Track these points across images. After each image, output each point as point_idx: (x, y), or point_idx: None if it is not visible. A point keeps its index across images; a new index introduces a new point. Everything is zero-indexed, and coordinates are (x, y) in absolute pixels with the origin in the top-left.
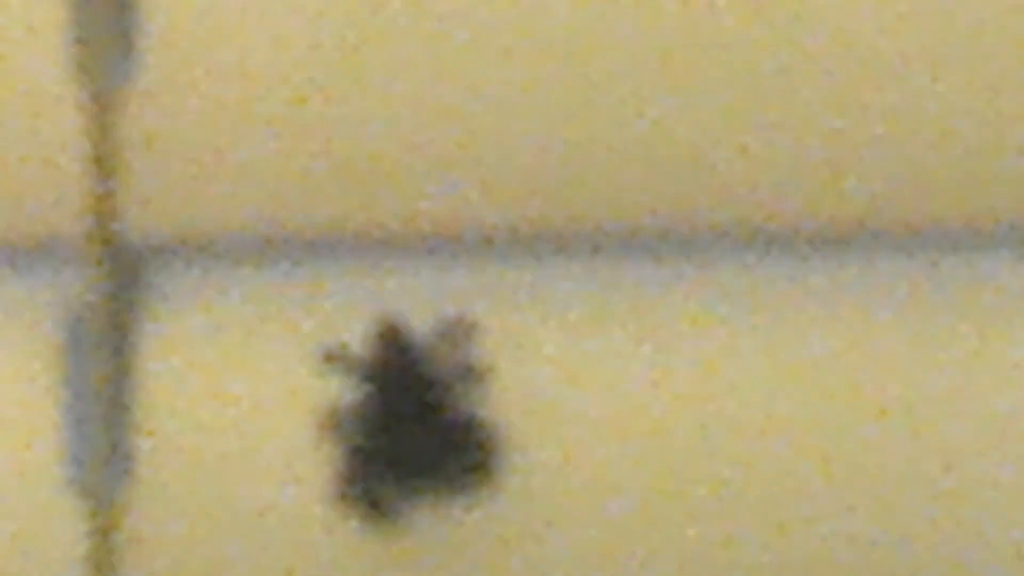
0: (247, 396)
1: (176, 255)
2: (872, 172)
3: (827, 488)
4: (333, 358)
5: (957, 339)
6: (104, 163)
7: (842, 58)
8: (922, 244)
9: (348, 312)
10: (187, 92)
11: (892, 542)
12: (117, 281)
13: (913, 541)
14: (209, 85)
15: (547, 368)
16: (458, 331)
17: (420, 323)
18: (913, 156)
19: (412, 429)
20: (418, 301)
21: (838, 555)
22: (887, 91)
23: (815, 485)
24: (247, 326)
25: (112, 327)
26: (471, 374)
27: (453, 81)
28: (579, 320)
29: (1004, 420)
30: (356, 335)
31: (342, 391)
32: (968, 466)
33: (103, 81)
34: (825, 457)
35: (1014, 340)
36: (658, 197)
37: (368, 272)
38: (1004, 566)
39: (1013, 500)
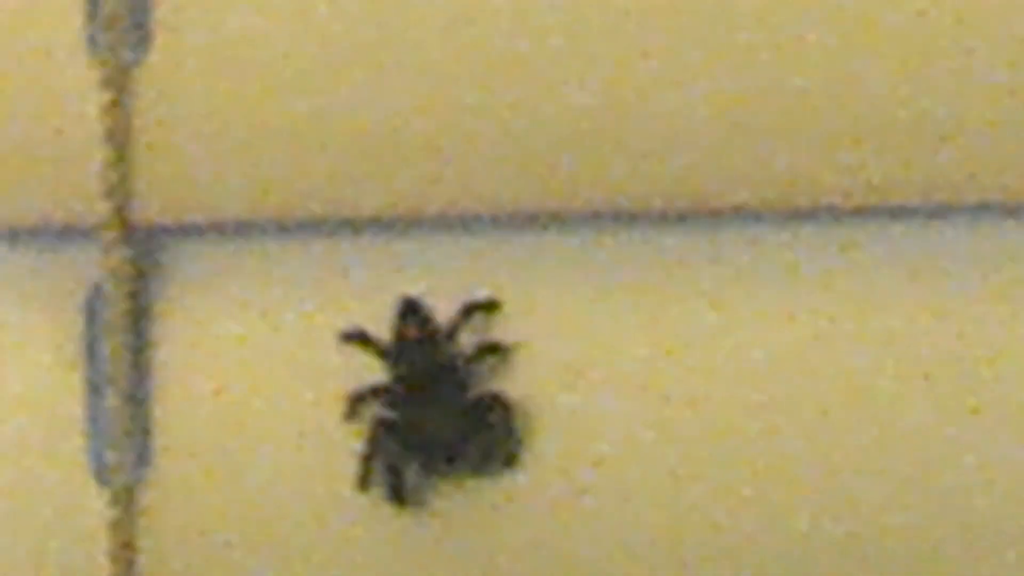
0: (266, 378)
1: (194, 236)
2: (879, 146)
3: (855, 458)
4: (354, 338)
5: (974, 310)
6: (119, 142)
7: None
8: (936, 215)
9: (369, 291)
10: (201, 70)
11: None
12: (134, 263)
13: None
14: (224, 62)
15: (572, 346)
16: (481, 309)
17: (442, 301)
18: (923, 127)
19: (434, 408)
20: (440, 279)
21: (861, 523)
22: (898, 60)
23: (845, 456)
24: (266, 307)
25: (129, 311)
26: (494, 352)
27: (473, 58)
28: (604, 297)
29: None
30: (378, 314)
31: (363, 371)
32: (983, 435)
33: (116, 59)
34: (853, 427)
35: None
36: (686, 172)
37: (390, 250)
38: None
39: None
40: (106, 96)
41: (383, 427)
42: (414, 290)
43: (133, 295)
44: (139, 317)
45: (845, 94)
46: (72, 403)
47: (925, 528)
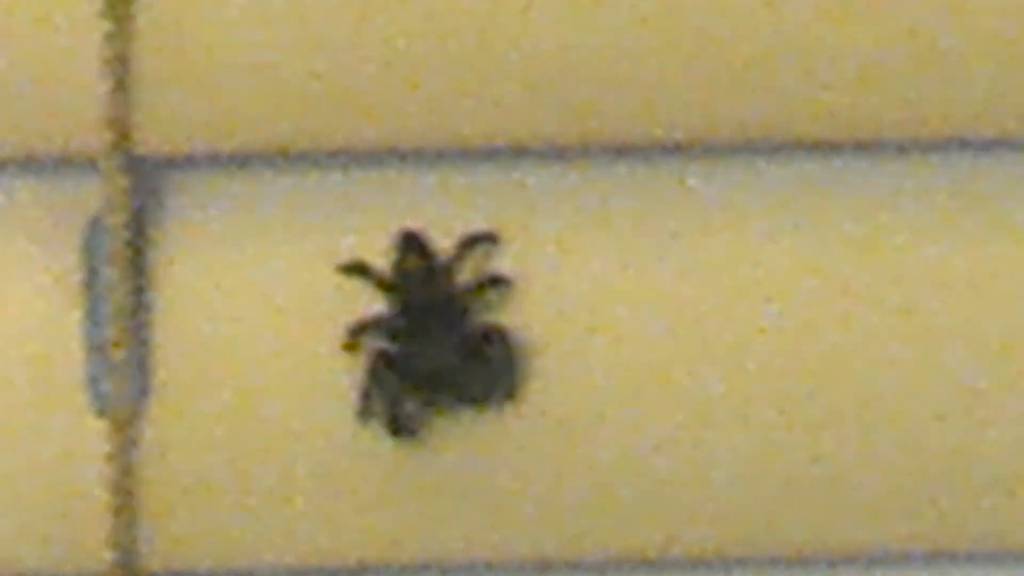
0: (267, 309)
1: (194, 166)
2: (878, 77)
3: (856, 392)
4: (354, 269)
5: (964, 239)
6: (119, 72)
7: None
8: (927, 146)
9: (370, 223)
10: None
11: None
12: (134, 193)
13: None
14: None
15: (571, 278)
16: (479, 241)
17: (443, 233)
18: (915, 60)
19: (434, 340)
20: (441, 211)
21: (853, 458)
22: None
23: (843, 392)
24: (266, 238)
25: (129, 241)
26: (494, 285)
27: None
28: (604, 229)
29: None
30: (378, 246)
31: (363, 303)
32: (973, 368)
33: None
34: (855, 361)
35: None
36: (687, 103)
37: (390, 182)
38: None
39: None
40: (107, 25)
41: (383, 359)
42: (414, 222)
43: (133, 225)
44: (139, 247)
45: (866, 21)
46: (72, 333)
47: (940, 452)
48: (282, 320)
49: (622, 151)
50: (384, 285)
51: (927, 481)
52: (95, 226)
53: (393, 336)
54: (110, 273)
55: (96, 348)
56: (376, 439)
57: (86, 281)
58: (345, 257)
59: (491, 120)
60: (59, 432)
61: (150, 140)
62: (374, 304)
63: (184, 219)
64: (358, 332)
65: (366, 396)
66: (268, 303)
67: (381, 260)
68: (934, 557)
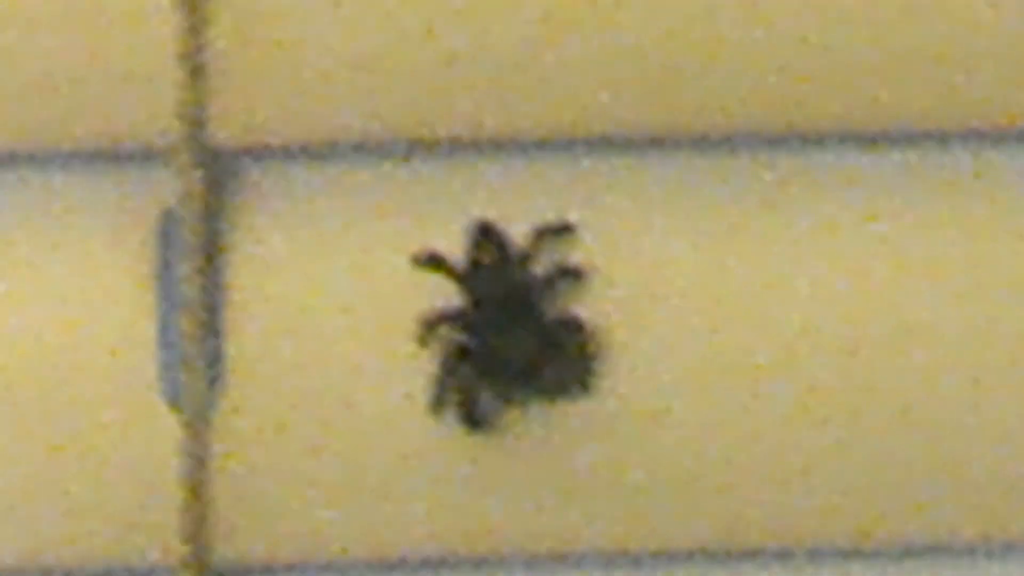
0: (340, 301)
1: (267, 158)
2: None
3: (946, 388)
4: (427, 261)
5: None
6: (193, 66)
7: None
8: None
9: (443, 215)
10: None
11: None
12: (207, 186)
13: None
14: None
15: (646, 268)
16: (555, 232)
17: (516, 225)
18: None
19: (509, 332)
20: (514, 203)
21: (938, 452)
22: None
23: (929, 387)
24: (339, 231)
25: (203, 232)
26: (568, 276)
27: None
28: (679, 219)
29: None
30: (451, 238)
31: (436, 295)
32: None
33: None
34: (944, 355)
35: None
36: (754, 94)
37: (463, 174)
38: None
39: None
40: (181, 19)
41: (457, 351)
42: (488, 213)
43: (206, 218)
44: (212, 240)
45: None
46: (145, 325)
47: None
48: (355, 312)
49: (695, 140)
50: (458, 277)
51: None
52: (169, 218)
53: (467, 328)
54: (183, 265)
55: (169, 340)
56: (449, 432)
57: (159, 273)
58: (419, 249)
59: (566, 110)
60: (132, 424)
61: (224, 132)
62: (448, 296)
63: (257, 211)
64: (431, 324)
65: (440, 389)
66: (341, 295)
67: (455, 252)
68: None
